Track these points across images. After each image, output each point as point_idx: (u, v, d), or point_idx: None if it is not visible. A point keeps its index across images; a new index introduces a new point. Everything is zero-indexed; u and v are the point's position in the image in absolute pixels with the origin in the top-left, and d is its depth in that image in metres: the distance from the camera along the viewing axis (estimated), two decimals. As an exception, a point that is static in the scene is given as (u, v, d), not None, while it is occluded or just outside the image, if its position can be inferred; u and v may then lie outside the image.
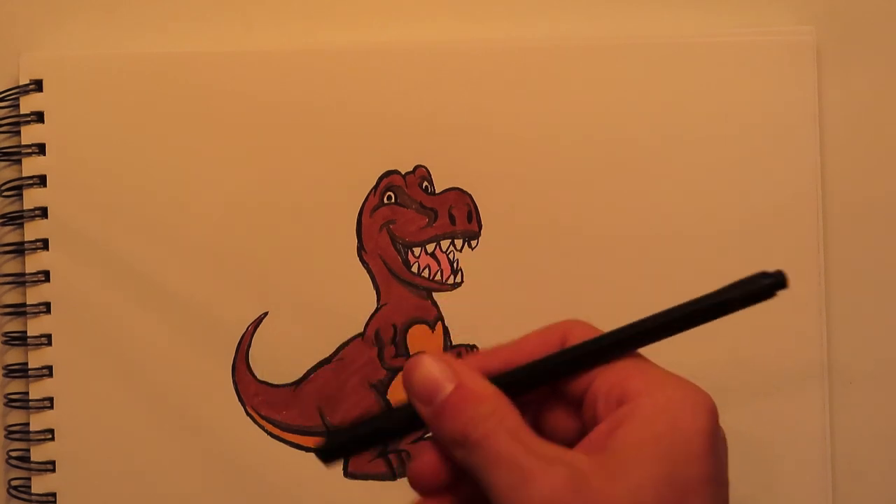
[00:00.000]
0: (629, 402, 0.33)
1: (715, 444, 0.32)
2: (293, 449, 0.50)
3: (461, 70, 0.50)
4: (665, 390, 0.33)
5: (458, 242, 0.50)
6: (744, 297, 0.34)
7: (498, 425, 0.33)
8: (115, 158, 0.51)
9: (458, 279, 0.50)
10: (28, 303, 0.51)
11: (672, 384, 0.33)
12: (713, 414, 0.33)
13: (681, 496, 0.31)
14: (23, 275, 0.51)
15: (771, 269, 0.34)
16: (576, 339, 0.35)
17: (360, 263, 0.50)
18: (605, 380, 0.34)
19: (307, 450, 0.50)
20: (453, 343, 0.50)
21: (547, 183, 0.50)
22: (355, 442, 0.35)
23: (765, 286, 0.33)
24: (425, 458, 0.35)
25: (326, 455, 0.35)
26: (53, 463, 0.50)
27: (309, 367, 0.50)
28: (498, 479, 0.32)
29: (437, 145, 0.50)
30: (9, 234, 0.52)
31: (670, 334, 0.34)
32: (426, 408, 0.34)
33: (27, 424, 0.51)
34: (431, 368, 0.34)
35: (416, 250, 0.50)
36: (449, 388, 0.34)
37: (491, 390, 0.34)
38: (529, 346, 0.36)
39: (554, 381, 0.35)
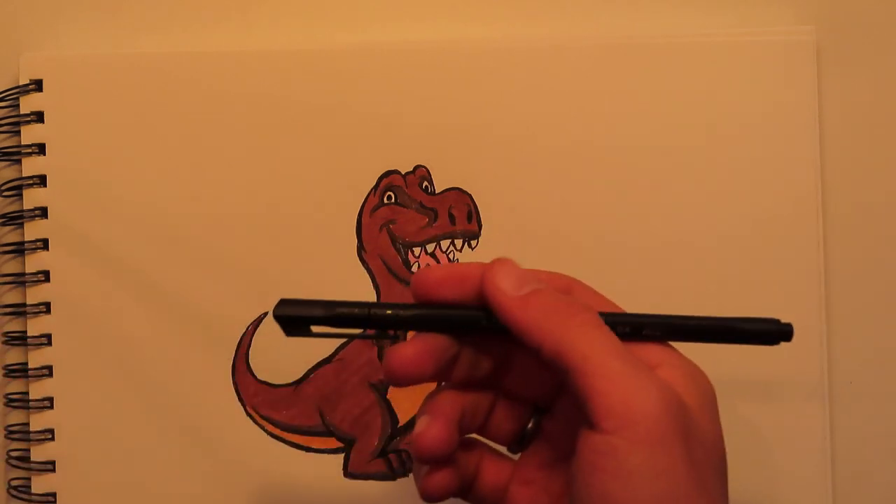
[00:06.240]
0: (662, 366, 0.35)
1: None
2: (293, 449, 0.50)
3: (461, 70, 0.50)
4: (683, 362, 0.36)
5: (458, 242, 0.50)
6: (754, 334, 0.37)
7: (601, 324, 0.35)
8: (115, 158, 0.51)
9: (458, 279, 0.50)
10: (28, 303, 0.51)
11: (683, 360, 0.36)
12: None
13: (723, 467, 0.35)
14: (23, 275, 0.51)
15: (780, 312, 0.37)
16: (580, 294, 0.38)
17: (360, 263, 0.50)
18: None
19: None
20: (453, 343, 0.50)
21: (547, 183, 0.50)
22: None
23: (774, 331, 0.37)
24: (435, 428, 0.36)
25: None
26: (53, 463, 0.50)
27: (309, 367, 0.50)
28: (606, 368, 0.33)
29: (437, 145, 0.50)
30: (9, 234, 0.52)
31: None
32: (521, 288, 0.36)
33: (27, 424, 0.51)
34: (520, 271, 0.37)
35: (416, 250, 0.50)
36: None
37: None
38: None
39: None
